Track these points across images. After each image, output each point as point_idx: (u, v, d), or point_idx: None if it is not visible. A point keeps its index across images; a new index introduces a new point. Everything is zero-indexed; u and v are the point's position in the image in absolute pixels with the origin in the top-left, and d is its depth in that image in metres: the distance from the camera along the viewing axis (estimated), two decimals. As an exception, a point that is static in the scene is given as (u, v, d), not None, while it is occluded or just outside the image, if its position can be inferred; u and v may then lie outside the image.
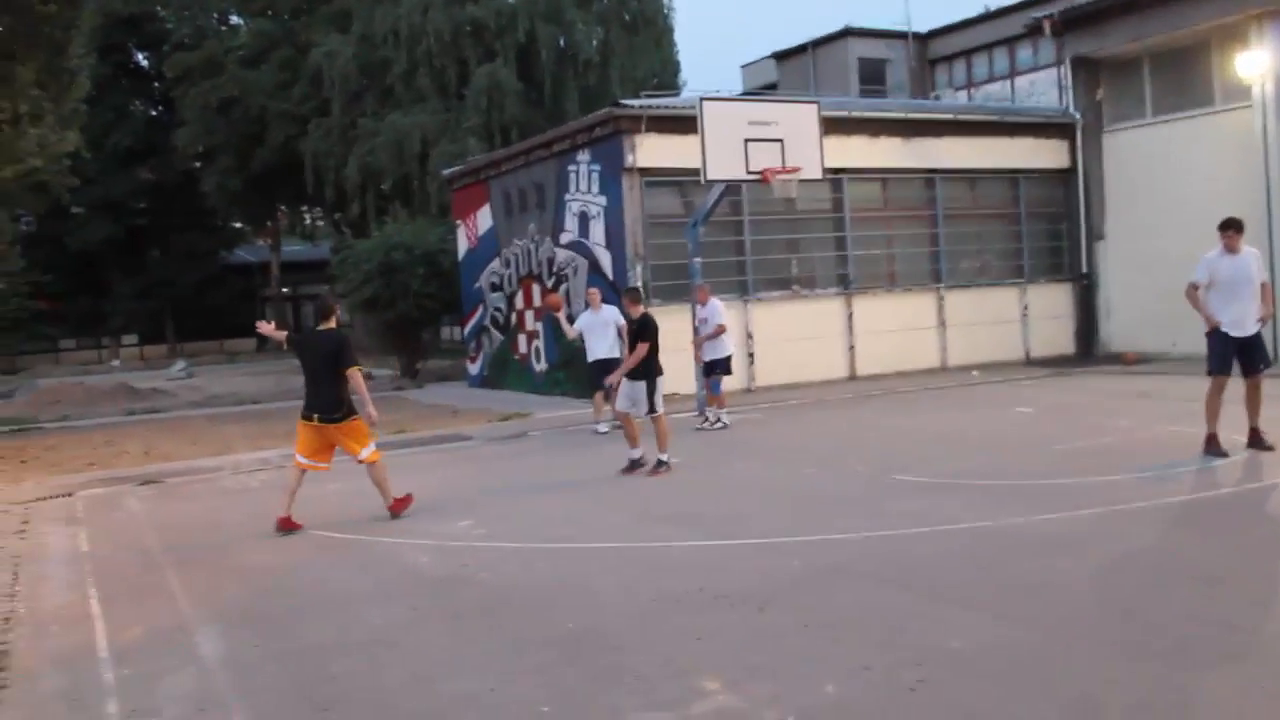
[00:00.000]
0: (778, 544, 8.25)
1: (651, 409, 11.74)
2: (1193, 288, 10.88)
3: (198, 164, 44.76)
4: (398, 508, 10.12)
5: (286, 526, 9.74)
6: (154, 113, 49.70)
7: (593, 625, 6.48)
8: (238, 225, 51.85)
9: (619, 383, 11.96)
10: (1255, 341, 10.74)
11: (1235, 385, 10.73)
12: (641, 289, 15.14)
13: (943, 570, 7.26)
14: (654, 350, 11.75)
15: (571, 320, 15.86)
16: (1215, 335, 10.74)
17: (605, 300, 16.05)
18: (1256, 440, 10.79)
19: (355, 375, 9.86)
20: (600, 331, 15.22)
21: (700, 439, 14.63)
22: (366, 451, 10.04)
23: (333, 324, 10.15)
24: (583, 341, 15.61)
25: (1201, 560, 7.27)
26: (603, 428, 15.28)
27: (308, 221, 50.86)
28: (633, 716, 5.11)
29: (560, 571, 7.93)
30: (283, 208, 48.02)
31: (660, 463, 11.69)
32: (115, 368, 42.08)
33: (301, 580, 8.11)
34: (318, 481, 10.54)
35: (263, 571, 8.47)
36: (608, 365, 14.36)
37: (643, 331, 11.78)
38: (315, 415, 9.89)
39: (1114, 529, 8.16)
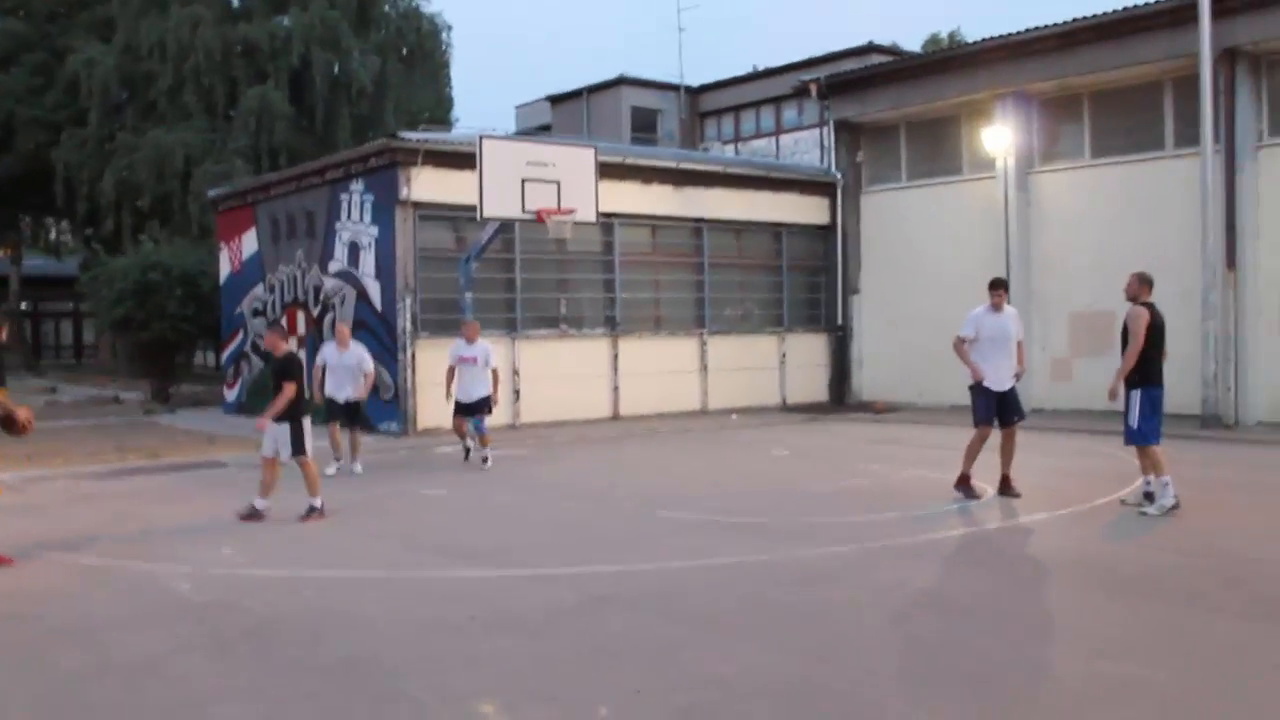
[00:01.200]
0: (548, 575, 8.34)
1: (299, 451, 11.14)
2: (960, 341, 11.52)
3: (-70, 167, 41.69)
4: None
5: None
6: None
7: (365, 652, 6.41)
8: (-27, 234, 48.53)
9: (265, 425, 11.14)
10: (1011, 395, 11.51)
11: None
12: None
13: (711, 601, 7.49)
14: (300, 390, 11.24)
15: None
16: (978, 388, 11.44)
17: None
18: (1006, 488, 11.49)
19: None
20: (344, 374, 14.51)
21: (466, 473, 14.60)
22: None
23: None
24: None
25: (953, 593, 7.76)
26: (330, 470, 13.91)
27: (54, 235, 48.15)
28: (410, 741, 5.11)
29: (329, 600, 7.78)
30: (27, 219, 45.36)
31: (312, 508, 11.02)
32: None
33: (49, 607, 7.65)
34: (67, 504, 10.02)
35: (2, 598, 7.99)
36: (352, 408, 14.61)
37: (289, 371, 11.21)
38: None
39: (873, 564, 8.60)
